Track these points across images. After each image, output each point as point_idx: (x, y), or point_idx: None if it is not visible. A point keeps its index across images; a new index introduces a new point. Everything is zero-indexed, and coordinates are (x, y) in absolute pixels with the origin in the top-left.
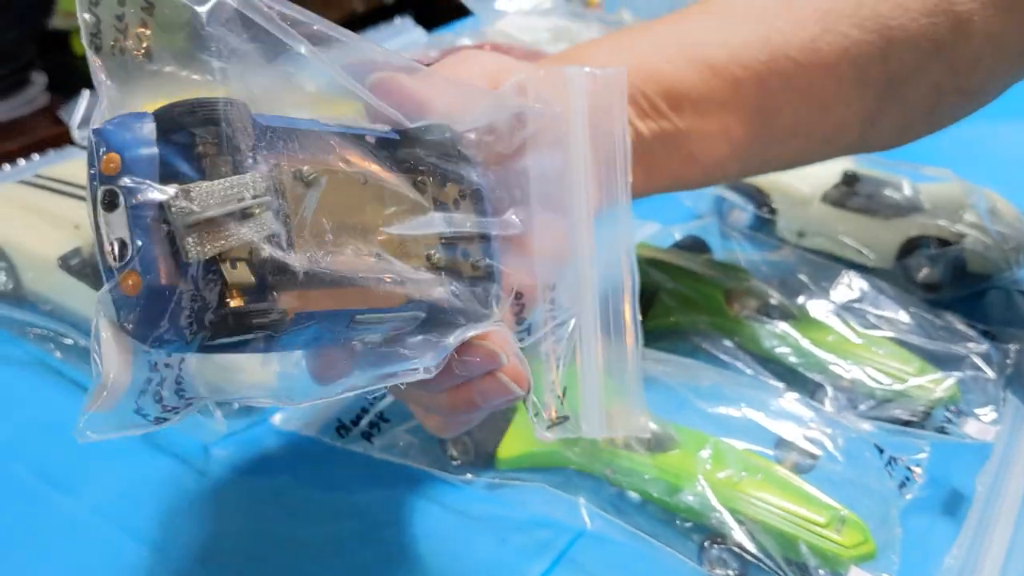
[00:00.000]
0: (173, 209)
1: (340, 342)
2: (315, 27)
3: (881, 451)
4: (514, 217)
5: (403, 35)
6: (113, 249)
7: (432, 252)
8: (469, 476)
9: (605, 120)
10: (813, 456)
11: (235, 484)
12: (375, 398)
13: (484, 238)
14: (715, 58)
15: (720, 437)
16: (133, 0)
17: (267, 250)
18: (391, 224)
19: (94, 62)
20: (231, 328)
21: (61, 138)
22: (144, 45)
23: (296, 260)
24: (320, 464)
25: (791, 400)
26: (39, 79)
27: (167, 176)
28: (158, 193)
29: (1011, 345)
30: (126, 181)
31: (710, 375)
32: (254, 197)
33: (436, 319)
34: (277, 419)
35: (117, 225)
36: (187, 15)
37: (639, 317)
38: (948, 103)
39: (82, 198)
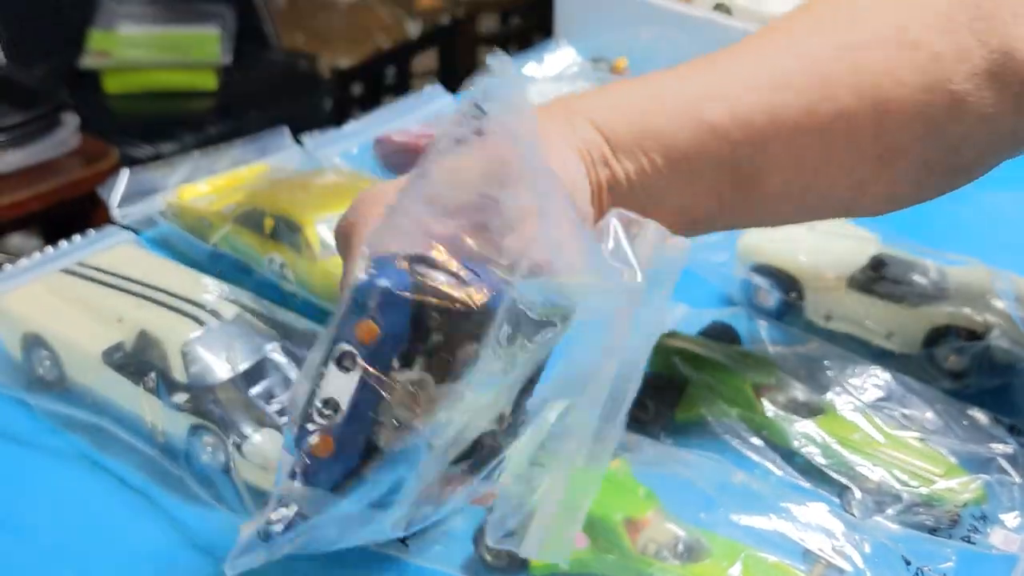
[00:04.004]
0: (391, 401)
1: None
2: None
3: (908, 563)
4: None
5: (433, 102)
6: (319, 404)
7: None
8: None
9: None
10: (841, 571)
11: None
12: None
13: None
14: (714, 115)
15: (750, 547)
16: None
17: None
18: None
19: None
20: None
21: (93, 181)
22: None
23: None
24: (356, 566)
25: (820, 511)
26: (71, 120)
27: (404, 356)
28: (388, 384)
29: None
30: (370, 357)
31: (739, 477)
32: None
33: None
34: None
35: (338, 387)
36: None
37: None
38: (936, 179)
39: (125, 291)
